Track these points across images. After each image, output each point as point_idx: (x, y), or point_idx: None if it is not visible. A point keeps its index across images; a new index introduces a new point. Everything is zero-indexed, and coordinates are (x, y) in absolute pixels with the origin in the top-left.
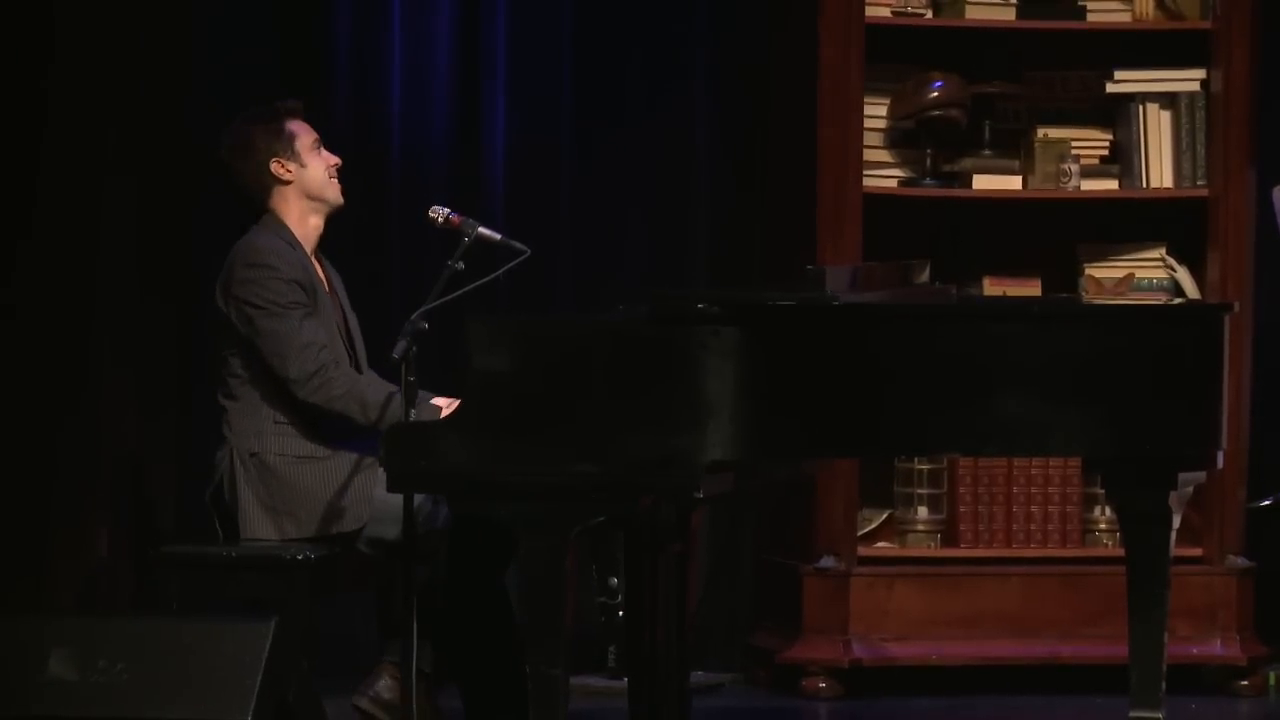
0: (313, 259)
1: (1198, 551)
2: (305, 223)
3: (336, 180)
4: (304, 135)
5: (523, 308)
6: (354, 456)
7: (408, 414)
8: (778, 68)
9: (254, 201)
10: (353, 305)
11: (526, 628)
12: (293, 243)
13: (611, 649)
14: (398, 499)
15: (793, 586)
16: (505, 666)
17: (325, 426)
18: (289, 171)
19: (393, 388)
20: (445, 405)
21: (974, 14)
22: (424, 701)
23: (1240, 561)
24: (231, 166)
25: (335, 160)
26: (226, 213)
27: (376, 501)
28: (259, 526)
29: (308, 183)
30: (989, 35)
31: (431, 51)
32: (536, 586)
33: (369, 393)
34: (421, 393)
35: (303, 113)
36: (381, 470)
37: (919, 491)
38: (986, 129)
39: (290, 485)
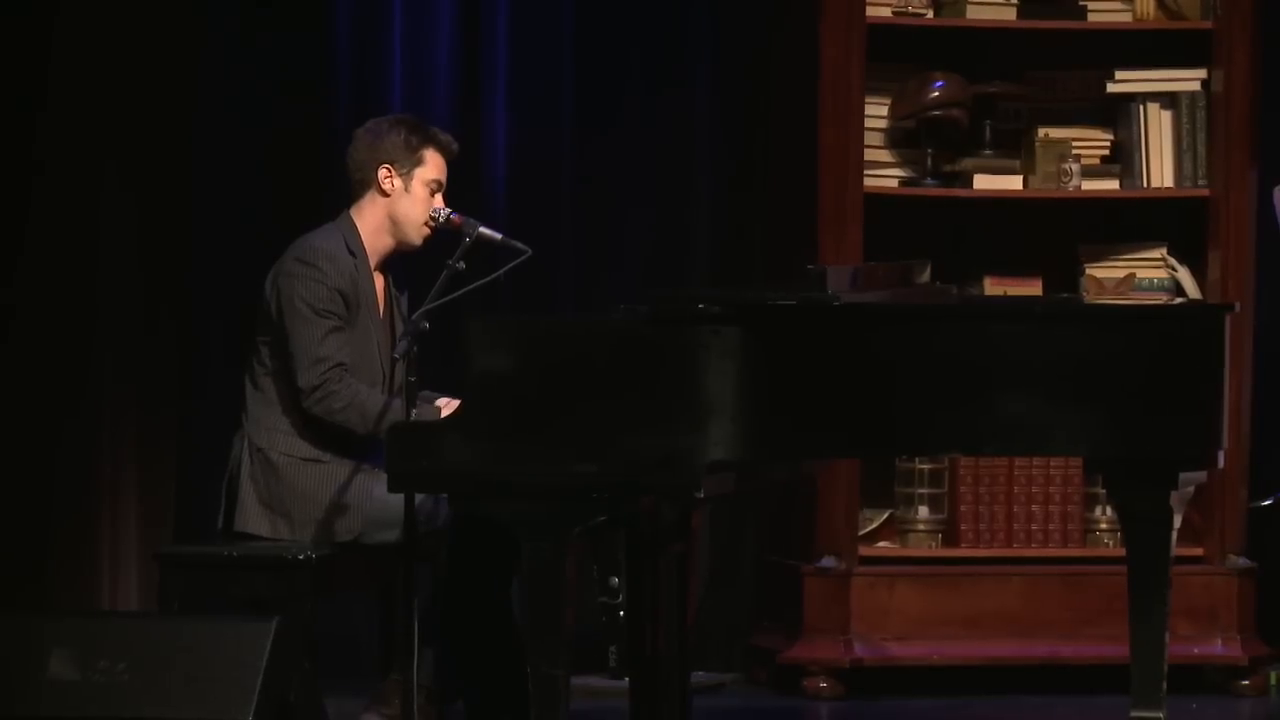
0: (375, 273)
1: (1199, 551)
2: (378, 238)
3: (429, 230)
4: (430, 170)
5: (524, 308)
6: (358, 465)
7: (408, 414)
8: (778, 67)
9: (348, 188)
10: None
11: (527, 628)
12: (356, 250)
13: (612, 649)
14: (398, 503)
15: (794, 586)
16: (508, 677)
17: (334, 434)
18: (391, 186)
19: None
20: (445, 405)
21: (975, 14)
22: (425, 711)
23: (1241, 561)
24: (354, 144)
25: (440, 205)
26: (229, 216)
27: (376, 505)
28: (254, 521)
29: (399, 209)
30: (990, 35)
31: (432, 52)
32: (537, 587)
33: (369, 403)
34: (423, 393)
35: (453, 156)
36: (382, 476)
37: (920, 491)
38: (987, 129)
39: (289, 486)
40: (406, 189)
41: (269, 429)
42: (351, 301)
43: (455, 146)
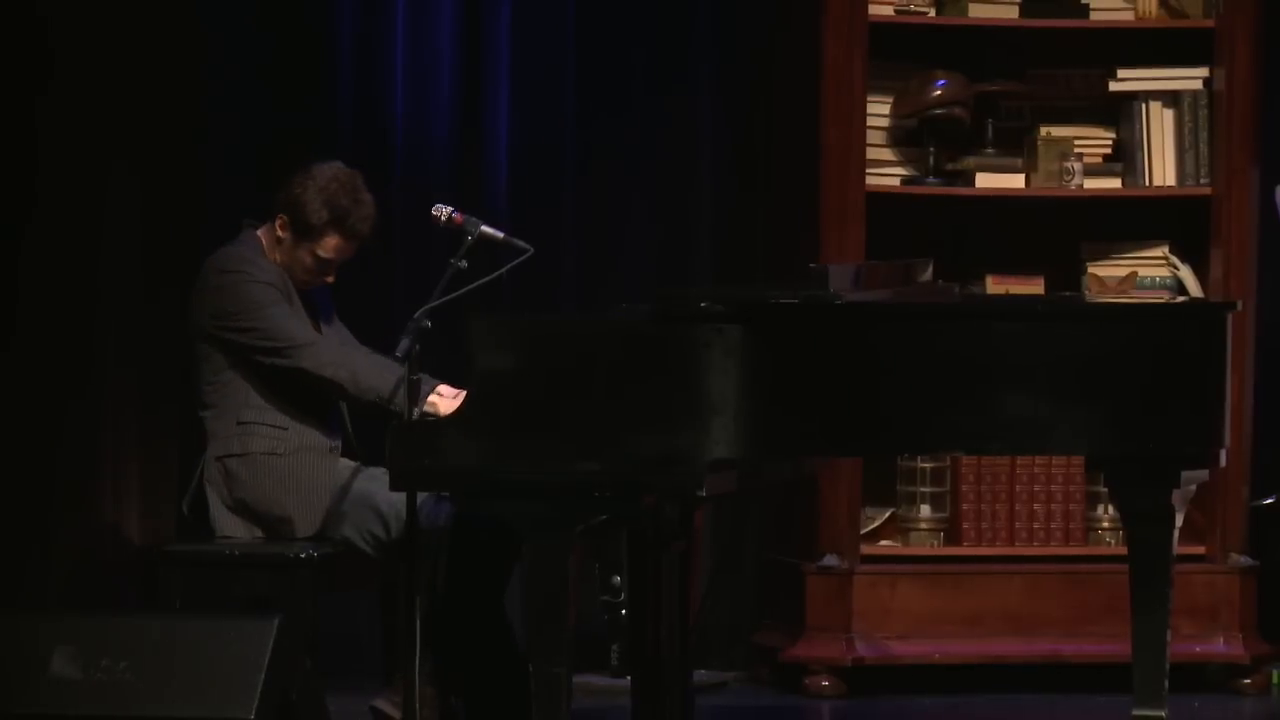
0: (288, 280)
1: (1200, 550)
2: (275, 258)
3: (312, 283)
4: (325, 250)
5: (526, 306)
6: (318, 457)
7: (411, 412)
8: (781, 66)
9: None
10: (357, 303)
11: (530, 626)
12: (267, 256)
13: (614, 648)
14: (388, 496)
15: (796, 585)
16: (506, 682)
17: (289, 420)
18: (284, 235)
19: (398, 372)
20: (449, 395)
21: (977, 12)
22: (430, 703)
23: (1243, 560)
24: (294, 172)
25: (328, 278)
26: (232, 205)
27: (369, 498)
28: (228, 525)
29: (286, 258)
30: (992, 34)
31: (435, 50)
32: (540, 585)
33: (359, 365)
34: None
35: (361, 240)
36: (343, 464)
37: (922, 490)
38: (989, 127)
39: (248, 488)
40: (295, 247)
41: (224, 439)
42: (284, 294)
43: (365, 228)
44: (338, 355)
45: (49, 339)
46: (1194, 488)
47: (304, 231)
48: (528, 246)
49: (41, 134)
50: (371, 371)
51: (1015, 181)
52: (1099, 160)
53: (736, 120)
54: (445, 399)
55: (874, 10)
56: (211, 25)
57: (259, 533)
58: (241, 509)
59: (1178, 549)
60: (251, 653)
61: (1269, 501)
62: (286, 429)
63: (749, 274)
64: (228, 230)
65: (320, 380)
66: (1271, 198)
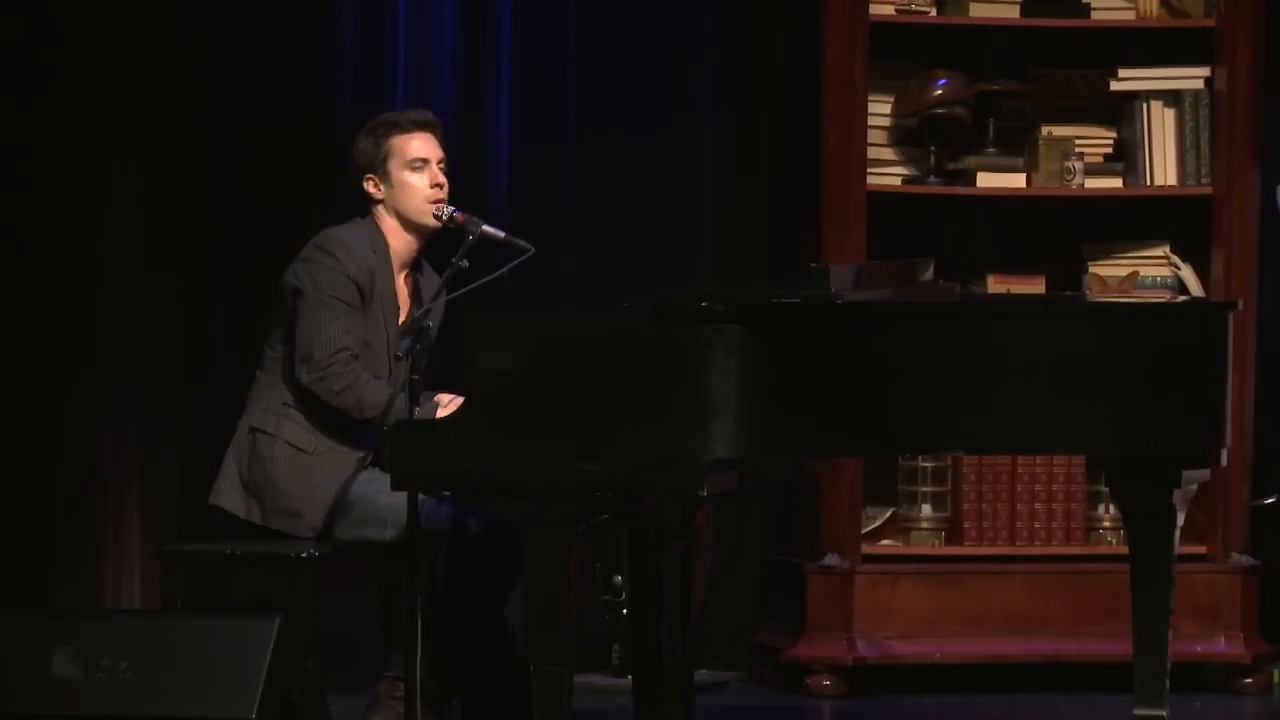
0: (400, 274)
1: (1202, 549)
2: (396, 238)
3: (436, 204)
4: (405, 154)
5: (527, 306)
6: (343, 461)
7: (412, 412)
8: (782, 66)
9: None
10: None
11: (531, 625)
12: (379, 249)
13: (615, 647)
14: (389, 496)
15: (797, 584)
16: (503, 688)
17: (327, 424)
18: (379, 190)
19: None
20: (448, 401)
21: (978, 12)
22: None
23: (1244, 559)
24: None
25: (439, 181)
26: (234, 194)
27: (370, 499)
28: (229, 498)
29: (397, 205)
30: (993, 33)
31: (436, 48)
32: (541, 584)
33: (368, 392)
34: (425, 392)
35: (423, 126)
36: (366, 471)
37: (923, 489)
38: (991, 127)
39: (265, 471)
40: (392, 184)
41: (264, 409)
42: (366, 293)
43: (416, 115)
44: (347, 380)
45: (48, 339)
46: (1195, 487)
47: (380, 164)
48: (529, 246)
49: (50, 115)
50: (376, 396)
51: (1016, 181)
52: (1100, 160)
53: (737, 120)
54: (444, 406)
55: (875, 10)
56: (213, 23)
57: (255, 516)
58: (252, 487)
59: (1179, 548)
60: (252, 653)
61: (1270, 501)
62: (322, 428)
63: (750, 274)
64: (225, 228)
65: (328, 405)
66: (1272, 197)
